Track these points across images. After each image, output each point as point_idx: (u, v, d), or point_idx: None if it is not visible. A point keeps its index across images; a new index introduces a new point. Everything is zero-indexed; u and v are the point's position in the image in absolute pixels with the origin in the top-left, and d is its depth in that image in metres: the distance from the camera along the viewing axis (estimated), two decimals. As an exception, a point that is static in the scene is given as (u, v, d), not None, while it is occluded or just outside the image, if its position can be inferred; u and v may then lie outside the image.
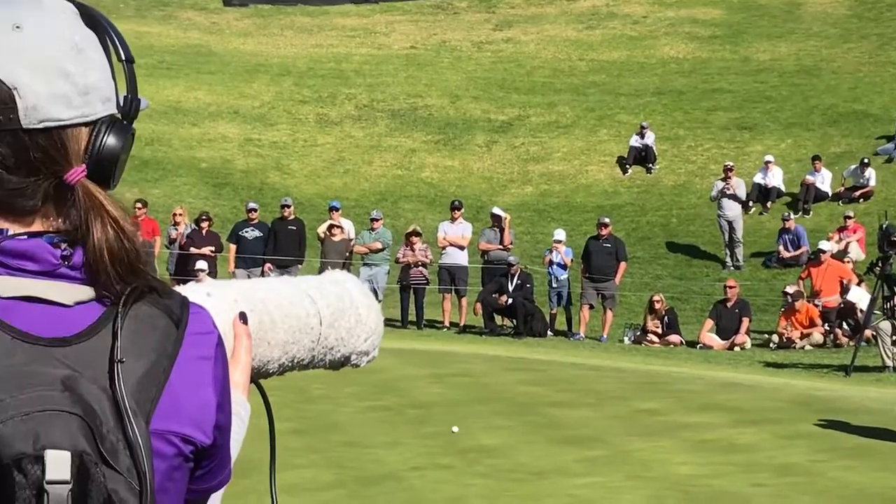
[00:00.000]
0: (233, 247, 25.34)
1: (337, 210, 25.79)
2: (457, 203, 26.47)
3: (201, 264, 24.29)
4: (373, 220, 25.52)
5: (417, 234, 25.26)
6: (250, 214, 25.61)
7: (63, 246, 1.64)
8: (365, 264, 24.98)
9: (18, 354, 1.54)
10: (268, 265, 24.90)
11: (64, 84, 1.63)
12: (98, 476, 1.49)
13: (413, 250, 24.94)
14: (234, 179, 35.00)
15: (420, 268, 24.91)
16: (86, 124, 1.66)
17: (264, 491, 8.53)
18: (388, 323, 24.90)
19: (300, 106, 40.17)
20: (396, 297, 25.28)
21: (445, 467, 10.52)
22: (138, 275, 1.66)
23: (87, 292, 1.63)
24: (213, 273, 24.76)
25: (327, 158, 36.96)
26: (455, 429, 12.20)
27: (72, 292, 1.63)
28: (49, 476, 1.46)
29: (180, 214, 26.37)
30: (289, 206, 25.75)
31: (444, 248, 25.30)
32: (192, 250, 24.95)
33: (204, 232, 25.48)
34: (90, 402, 1.53)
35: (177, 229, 25.91)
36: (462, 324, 24.76)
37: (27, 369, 1.53)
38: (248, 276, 24.57)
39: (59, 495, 1.46)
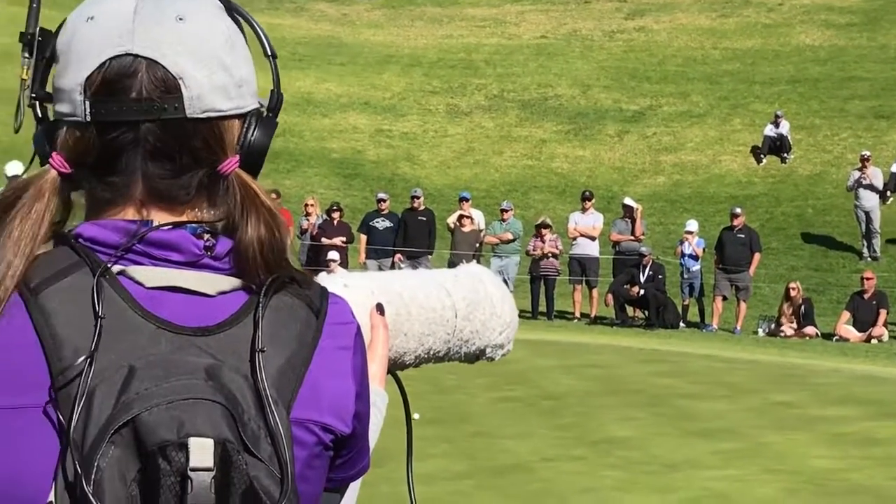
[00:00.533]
0: (363, 237, 25.48)
1: (467, 200, 25.80)
2: (588, 193, 26.33)
3: (333, 255, 24.46)
4: (503, 210, 25.47)
5: (547, 225, 25.16)
6: (381, 205, 25.72)
7: (206, 236, 1.66)
8: (495, 255, 24.96)
9: (163, 343, 1.56)
10: (398, 256, 24.99)
11: (223, 76, 1.66)
12: (240, 463, 1.49)
13: (543, 241, 24.85)
14: (364, 170, 35.21)
15: (551, 259, 24.82)
16: (238, 116, 1.69)
17: (398, 479, 8.55)
18: (519, 314, 24.87)
19: (430, 96, 40.27)
20: (527, 287, 25.22)
21: (577, 458, 10.45)
22: (283, 266, 1.67)
23: (229, 282, 1.65)
24: (343, 263, 24.93)
25: (457, 149, 37.00)
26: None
27: (214, 282, 1.64)
28: (192, 463, 1.46)
29: (312, 205, 26.58)
30: (419, 197, 25.81)
31: (574, 238, 25.19)
32: (324, 241, 25.13)
33: (335, 222, 25.66)
34: (232, 390, 1.53)
35: (308, 220, 26.12)
36: (593, 315, 24.63)
37: (171, 358, 1.54)
38: (379, 267, 24.73)
39: (203, 482, 1.46)
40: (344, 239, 25.45)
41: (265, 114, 1.73)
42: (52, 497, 1.50)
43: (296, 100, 37.35)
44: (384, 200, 25.84)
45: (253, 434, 1.52)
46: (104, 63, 1.62)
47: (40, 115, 1.71)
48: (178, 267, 1.63)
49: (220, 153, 1.67)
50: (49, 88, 1.71)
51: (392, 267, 25.15)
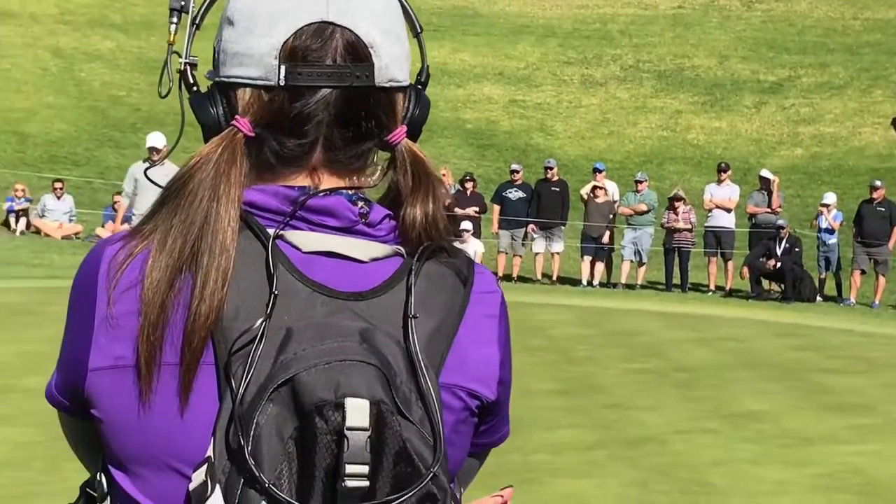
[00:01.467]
0: (496, 207, 25.48)
1: (601, 171, 25.67)
2: (723, 165, 26.02)
3: (465, 225, 24.51)
4: (637, 181, 25.29)
5: (680, 198, 24.91)
6: (514, 175, 25.68)
7: (360, 204, 1.69)
8: (629, 226, 24.81)
9: (318, 307, 1.60)
10: (531, 226, 24.96)
11: (399, 47, 1.72)
12: (394, 424, 1.52)
13: (676, 214, 24.64)
14: (498, 140, 35.18)
15: (685, 231, 24.61)
16: (404, 89, 1.73)
17: (528, 449, 8.57)
18: (653, 286, 24.81)
19: (565, 67, 40.08)
20: (661, 259, 25.04)
21: (710, 431, 10.37)
22: (440, 235, 1.71)
23: (381, 249, 1.68)
24: (476, 234, 24.97)
25: (591, 120, 36.81)
26: None
27: (368, 249, 1.67)
28: (349, 423, 1.49)
29: (445, 175, 26.64)
30: (552, 168, 25.73)
31: (710, 210, 24.93)
32: (457, 211, 25.18)
33: (468, 192, 25.69)
34: (385, 354, 1.56)
35: (442, 190, 26.16)
36: (728, 287, 24.39)
37: (327, 321, 1.58)
38: (511, 238, 24.72)
39: (359, 441, 1.49)
40: (477, 209, 25.48)
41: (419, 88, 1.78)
42: (210, 452, 1.53)
43: (430, 70, 37.31)
44: (517, 171, 25.79)
45: (405, 397, 1.54)
46: (300, 29, 1.66)
47: (192, 81, 1.74)
48: (333, 233, 1.66)
49: (392, 124, 1.71)
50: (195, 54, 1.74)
51: (525, 237, 25.15)
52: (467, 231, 24.51)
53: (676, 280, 24.58)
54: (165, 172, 8.07)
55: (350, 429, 1.48)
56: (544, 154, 31.65)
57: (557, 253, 25.05)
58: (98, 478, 1.68)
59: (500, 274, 24.86)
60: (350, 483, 1.49)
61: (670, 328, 17.67)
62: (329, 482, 1.50)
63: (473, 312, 1.70)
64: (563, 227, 25.11)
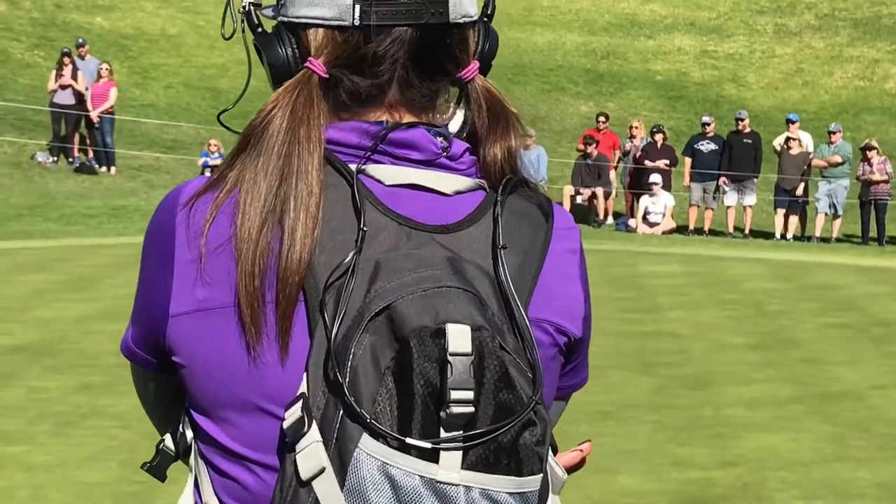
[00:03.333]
0: (687, 160, 25.17)
1: (795, 123, 25.13)
2: (923, 115, 25.26)
3: (655, 177, 24.28)
4: (831, 132, 24.70)
5: (872, 147, 24.23)
6: (705, 128, 25.32)
7: (439, 138, 1.67)
8: (823, 179, 24.27)
9: (404, 240, 1.58)
10: (722, 179, 24.61)
11: None
12: (496, 350, 1.48)
13: (870, 165, 24.01)
14: (689, 92, 34.72)
15: (881, 183, 23.97)
16: (474, 24, 1.71)
17: (723, 404, 8.46)
18: (848, 239, 24.26)
19: (757, 16, 39.32)
20: (857, 212, 24.46)
21: (910, 387, 10.13)
22: (519, 170, 1.69)
23: (464, 182, 1.66)
24: (666, 186, 24.71)
25: (785, 70, 36.07)
26: None
27: (451, 182, 1.65)
28: (451, 348, 1.45)
29: (636, 127, 26.43)
30: (744, 119, 25.28)
31: (908, 161, 24.25)
32: (647, 163, 24.96)
33: (659, 145, 25.44)
34: (476, 284, 1.54)
35: (632, 142, 25.98)
36: (927, 241, 23.73)
37: (415, 252, 1.56)
38: (703, 191, 24.40)
39: (463, 367, 1.45)
40: (668, 162, 25.21)
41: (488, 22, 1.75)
42: (303, 388, 1.51)
43: (620, 21, 37.09)
44: (709, 123, 25.41)
45: (498, 328, 1.51)
46: None
47: (256, 22, 1.72)
48: (416, 166, 1.64)
49: (465, 60, 1.69)
50: None
51: (716, 190, 24.80)
52: (657, 184, 24.28)
53: (873, 233, 23.98)
54: None
55: (453, 354, 1.45)
56: (736, 105, 31.10)
57: (750, 206, 24.65)
58: (181, 430, 1.68)
59: (692, 227, 24.60)
60: (455, 409, 1.45)
61: (867, 282, 17.26)
62: (429, 410, 1.46)
63: (556, 247, 1.67)
64: (755, 180, 24.69)
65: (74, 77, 26.83)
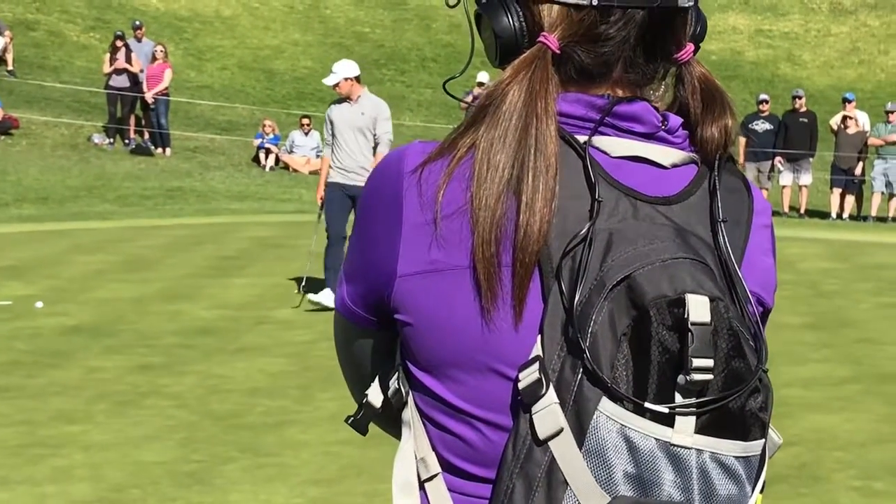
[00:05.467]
0: (742, 140, 25.01)
1: (851, 102, 24.93)
2: (982, 93, 24.98)
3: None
4: (888, 112, 24.47)
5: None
6: (761, 106, 25.15)
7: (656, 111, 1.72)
8: (880, 157, 24.06)
9: (630, 210, 1.62)
10: (778, 158, 24.45)
11: None
12: (729, 319, 1.54)
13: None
14: (743, 72, 34.51)
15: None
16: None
17: (780, 384, 8.30)
18: (906, 218, 24.05)
19: (813, -5, 39.00)
20: (914, 191, 24.23)
21: (968, 368, 10.04)
22: (731, 146, 1.75)
23: (679, 155, 1.70)
24: (722, 166, 24.54)
25: (841, 49, 35.77)
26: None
27: (669, 154, 1.70)
28: (693, 318, 1.51)
29: (690, 107, 26.26)
30: (800, 98, 25.09)
31: (967, 140, 23.99)
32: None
33: (714, 124, 25.28)
34: (703, 255, 1.60)
35: (686, 122, 25.83)
36: None
37: (644, 223, 1.61)
38: (758, 170, 24.26)
39: (704, 335, 1.51)
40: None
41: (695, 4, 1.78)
42: (537, 350, 1.55)
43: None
44: (765, 102, 25.25)
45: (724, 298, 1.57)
46: None
47: None
48: (638, 139, 1.68)
49: (683, 42, 1.73)
50: None
51: (771, 170, 24.65)
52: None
53: (931, 213, 23.76)
54: (361, 110, 7.98)
55: (694, 324, 1.50)
56: (791, 84, 30.91)
57: (805, 186, 24.49)
58: (396, 386, 1.71)
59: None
60: (696, 377, 1.50)
61: (924, 262, 17.14)
62: (665, 376, 1.52)
63: (756, 222, 1.73)
64: (810, 160, 24.52)
65: (128, 59, 26.99)
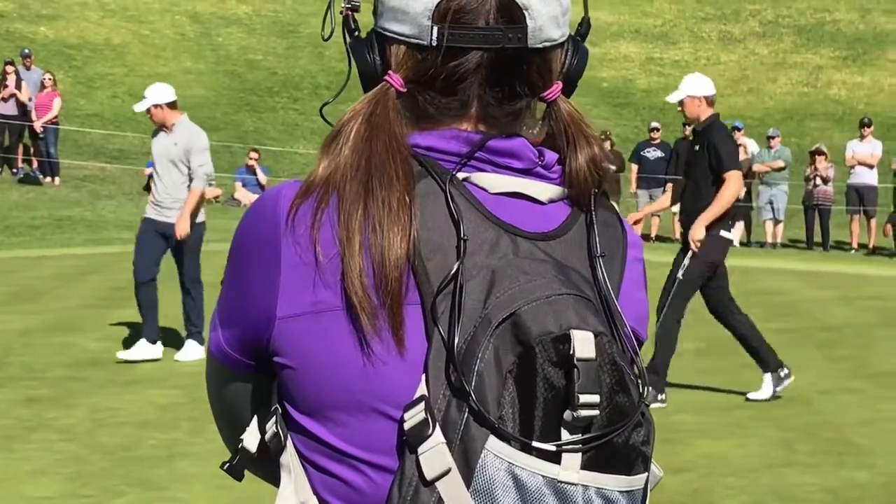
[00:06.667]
0: (634, 167, 25.27)
1: (740, 130, 25.29)
2: (866, 120, 25.48)
3: (603, 184, 24.33)
4: (769, 138, 24.87)
5: (821, 153, 24.44)
6: (652, 134, 25.47)
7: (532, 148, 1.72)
8: (763, 184, 24.43)
9: (510, 246, 1.62)
10: (669, 185, 24.72)
11: (555, 5, 1.70)
12: (612, 354, 1.55)
13: (817, 169, 24.20)
14: (635, 99, 34.89)
15: (825, 187, 24.16)
16: (561, 44, 1.73)
17: (671, 410, 8.36)
18: (793, 244, 24.43)
19: (702, 23, 39.58)
20: (801, 217, 24.65)
21: (855, 391, 10.19)
22: (602, 179, 1.74)
23: (557, 191, 1.71)
24: (614, 192, 24.78)
25: (730, 77, 36.31)
26: None
27: (546, 190, 1.70)
28: (578, 354, 1.51)
29: (582, 134, 26.48)
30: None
31: (852, 167, 24.45)
32: (594, 170, 25.02)
33: (606, 151, 25.52)
34: (584, 290, 1.60)
35: (579, 149, 26.05)
36: (871, 245, 23.93)
37: (524, 260, 1.60)
38: (650, 197, 24.52)
39: (590, 372, 1.51)
40: (615, 168, 25.31)
41: (578, 41, 1.78)
42: (422, 390, 1.54)
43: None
44: (656, 129, 25.54)
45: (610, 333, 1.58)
46: None
47: (353, 26, 1.75)
48: (516, 174, 1.68)
49: (548, 81, 1.72)
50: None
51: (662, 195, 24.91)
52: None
53: (818, 238, 24.16)
54: (175, 140, 7.67)
55: (579, 359, 1.50)
56: (682, 113, 31.26)
57: (695, 212, 24.75)
58: (275, 430, 1.68)
59: (639, 233, 24.66)
60: (583, 413, 1.51)
61: (812, 287, 17.40)
62: (550, 414, 1.52)
63: (630, 255, 1.74)
64: (701, 186, 24.79)
65: (18, 87, 26.63)
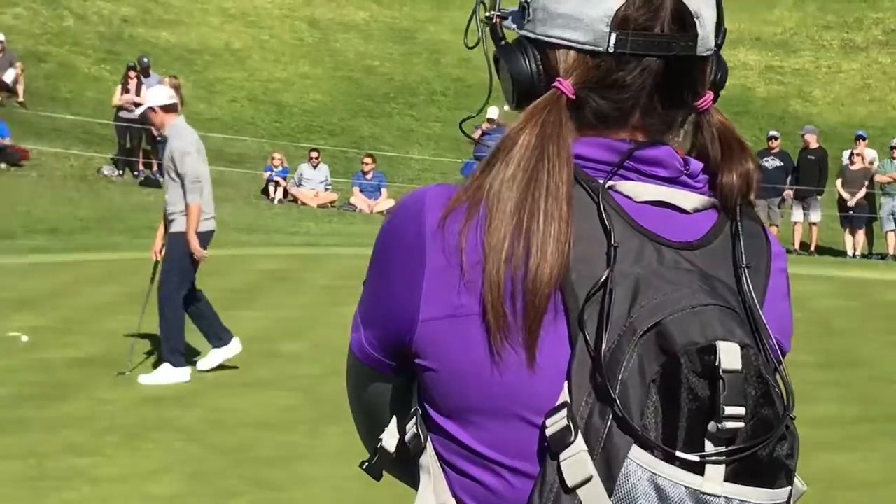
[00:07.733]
0: (753, 176, 24.98)
1: (864, 139, 24.92)
2: None
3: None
4: (892, 148, 24.46)
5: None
6: (771, 143, 25.15)
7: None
8: (885, 194, 24.02)
9: (656, 255, 1.62)
10: (787, 192, 24.44)
11: (713, 13, 1.72)
12: (759, 367, 1.53)
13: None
14: (754, 108, 34.53)
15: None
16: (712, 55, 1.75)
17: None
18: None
19: (824, 31, 39.05)
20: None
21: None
22: (752, 192, 1.73)
23: (702, 200, 1.70)
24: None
25: (852, 86, 35.80)
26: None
27: (691, 199, 1.69)
28: (724, 366, 1.50)
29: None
30: (812, 134, 25.08)
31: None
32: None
33: (723, 161, 25.28)
34: (730, 301, 1.59)
35: (696, 158, 25.86)
36: None
37: (669, 269, 1.61)
38: (768, 207, 24.22)
39: (736, 383, 1.50)
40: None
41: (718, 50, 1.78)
42: (564, 397, 1.55)
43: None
44: (775, 138, 25.25)
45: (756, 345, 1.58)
46: None
47: (500, 34, 1.75)
48: (661, 183, 1.68)
49: (703, 90, 1.73)
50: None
51: (780, 205, 24.61)
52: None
53: (942, 250, 23.70)
54: (168, 146, 7.27)
55: (725, 371, 1.49)
56: (802, 121, 30.91)
57: (815, 223, 24.45)
58: (415, 431, 1.69)
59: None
60: (728, 424, 1.50)
61: (935, 300, 17.09)
62: (694, 424, 1.51)
63: (774, 267, 1.73)
64: (818, 197, 24.48)
65: (139, 92, 27.05)
